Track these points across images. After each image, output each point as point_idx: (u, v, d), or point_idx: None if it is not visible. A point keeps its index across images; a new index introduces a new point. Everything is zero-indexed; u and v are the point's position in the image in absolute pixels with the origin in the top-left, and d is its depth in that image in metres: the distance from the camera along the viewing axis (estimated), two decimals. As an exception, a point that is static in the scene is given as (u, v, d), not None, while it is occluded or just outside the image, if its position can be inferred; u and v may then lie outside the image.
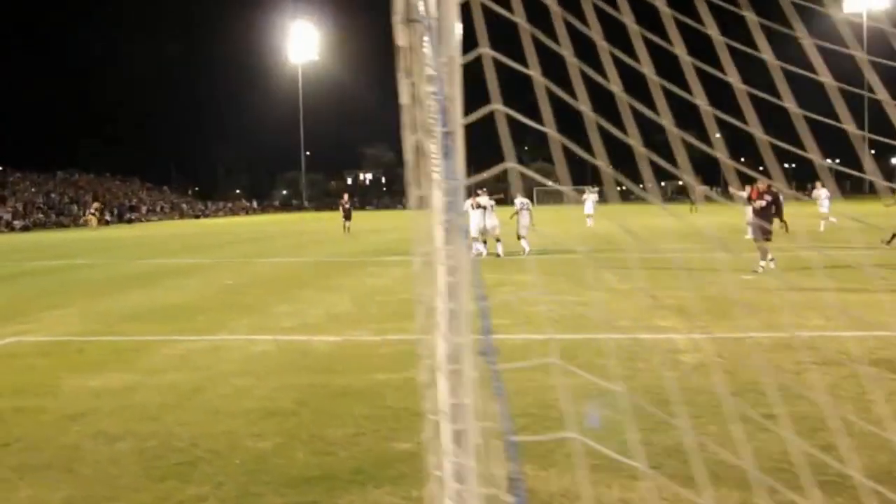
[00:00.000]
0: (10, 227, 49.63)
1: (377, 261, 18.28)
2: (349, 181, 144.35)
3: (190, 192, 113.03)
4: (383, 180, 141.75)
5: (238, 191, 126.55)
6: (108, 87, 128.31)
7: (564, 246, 22.56)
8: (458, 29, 1.85)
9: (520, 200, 19.56)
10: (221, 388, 6.28)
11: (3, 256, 23.51)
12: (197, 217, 75.50)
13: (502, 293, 12.14)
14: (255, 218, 74.71)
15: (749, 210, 21.57)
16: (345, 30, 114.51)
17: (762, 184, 14.42)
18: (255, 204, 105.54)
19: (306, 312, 10.44)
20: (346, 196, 33.05)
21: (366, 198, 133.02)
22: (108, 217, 59.29)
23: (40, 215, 54.60)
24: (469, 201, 18.36)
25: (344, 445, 4.79)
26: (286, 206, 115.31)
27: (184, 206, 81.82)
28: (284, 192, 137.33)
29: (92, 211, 58.29)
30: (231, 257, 20.82)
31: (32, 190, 61.49)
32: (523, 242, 18.99)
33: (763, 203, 14.42)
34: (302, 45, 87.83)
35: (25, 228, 49.91)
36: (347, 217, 31.19)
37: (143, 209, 70.16)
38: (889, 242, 18.58)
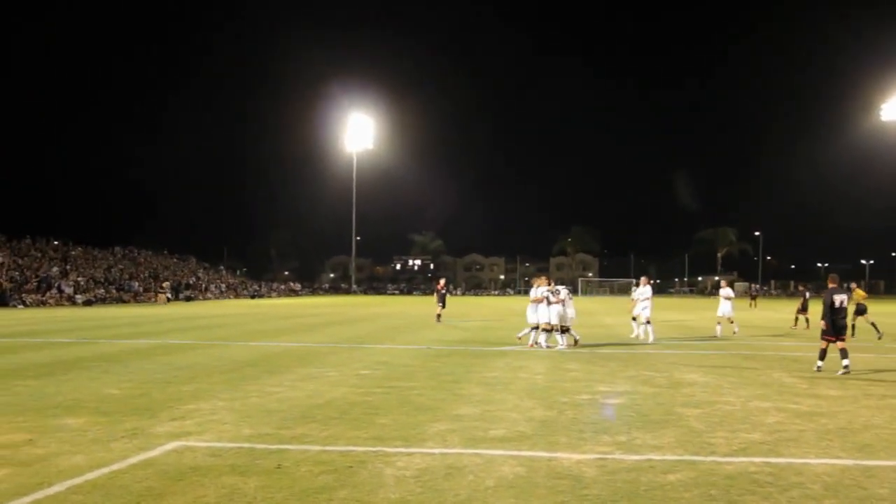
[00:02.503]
0: (71, 301, 48.91)
1: (500, 352, 16.50)
2: (398, 267, 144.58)
3: (238, 272, 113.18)
4: (431, 266, 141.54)
5: (287, 273, 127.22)
6: (167, 169, 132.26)
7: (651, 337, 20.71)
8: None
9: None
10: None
11: (88, 332, 22.09)
12: (252, 297, 74.66)
13: (695, 397, 10.20)
14: (310, 300, 73.48)
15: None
16: (399, 121, 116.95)
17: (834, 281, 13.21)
18: (300, 287, 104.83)
19: (503, 417, 8.58)
20: (442, 281, 30.09)
21: (413, 283, 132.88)
22: (168, 295, 58.59)
23: (101, 290, 53.91)
24: (544, 288, 17.31)
25: None
26: (335, 290, 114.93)
27: (237, 286, 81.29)
28: (332, 275, 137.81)
29: (162, 288, 57.86)
30: (336, 341, 19.08)
31: (94, 265, 61.20)
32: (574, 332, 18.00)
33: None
34: (358, 135, 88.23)
35: (88, 303, 49.08)
36: (443, 303, 28.38)
37: (202, 287, 69.54)
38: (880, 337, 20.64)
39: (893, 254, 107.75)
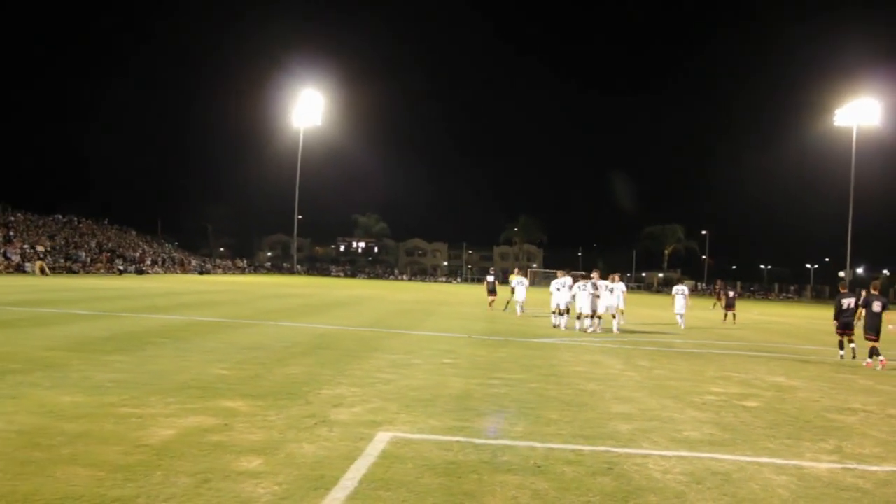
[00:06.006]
0: (19, 270, 46.16)
1: (548, 343, 16.14)
2: (341, 248, 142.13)
3: (170, 245, 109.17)
4: (375, 249, 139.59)
5: (222, 249, 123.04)
6: (103, 138, 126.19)
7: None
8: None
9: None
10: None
11: (95, 304, 20.59)
12: (200, 273, 72.15)
13: (820, 402, 10.03)
14: (261, 278, 70.97)
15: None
16: (348, 100, 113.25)
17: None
18: (245, 264, 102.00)
19: (666, 417, 8.22)
20: (492, 270, 32.68)
21: (356, 265, 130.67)
22: (119, 266, 56.06)
23: (49, 259, 51.09)
24: (576, 280, 20.42)
25: None
26: (278, 269, 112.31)
27: (182, 261, 78.53)
28: (269, 253, 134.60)
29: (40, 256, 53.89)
30: (367, 326, 18.20)
31: (37, 232, 58.00)
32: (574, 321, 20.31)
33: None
34: (306, 111, 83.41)
35: (42, 271, 46.42)
36: (494, 292, 28.66)
37: (148, 261, 66.79)
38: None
39: (827, 259, 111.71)
